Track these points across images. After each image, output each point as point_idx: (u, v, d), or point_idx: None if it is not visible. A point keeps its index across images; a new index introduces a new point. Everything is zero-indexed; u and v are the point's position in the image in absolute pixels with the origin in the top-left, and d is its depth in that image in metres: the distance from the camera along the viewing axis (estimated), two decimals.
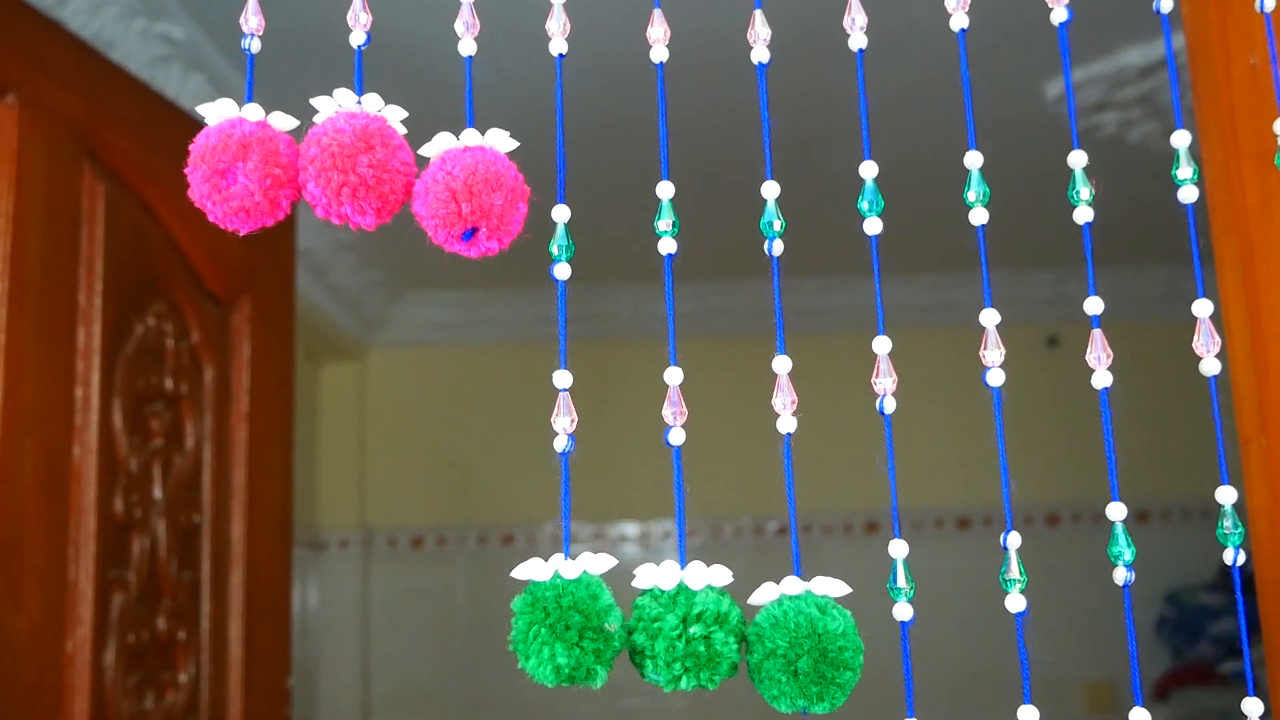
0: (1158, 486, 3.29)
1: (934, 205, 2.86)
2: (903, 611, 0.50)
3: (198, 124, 1.52)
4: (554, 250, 0.52)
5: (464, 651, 3.36)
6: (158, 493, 1.36)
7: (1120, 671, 3.09)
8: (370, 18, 0.54)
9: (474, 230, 0.51)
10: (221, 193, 0.51)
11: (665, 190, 0.53)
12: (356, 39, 0.54)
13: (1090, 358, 0.52)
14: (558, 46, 0.54)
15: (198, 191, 0.51)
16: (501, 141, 0.53)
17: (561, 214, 0.53)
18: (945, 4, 0.54)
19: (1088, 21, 2.08)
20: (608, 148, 2.47)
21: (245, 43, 0.54)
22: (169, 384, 1.40)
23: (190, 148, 0.52)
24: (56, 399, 1.21)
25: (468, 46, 0.54)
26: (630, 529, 3.43)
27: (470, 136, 0.52)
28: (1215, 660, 3.07)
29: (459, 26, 0.54)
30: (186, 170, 0.52)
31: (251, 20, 0.54)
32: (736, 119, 2.32)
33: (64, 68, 1.26)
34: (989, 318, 0.53)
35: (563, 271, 0.52)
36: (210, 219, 0.52)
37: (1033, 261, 3.24)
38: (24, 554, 1.15)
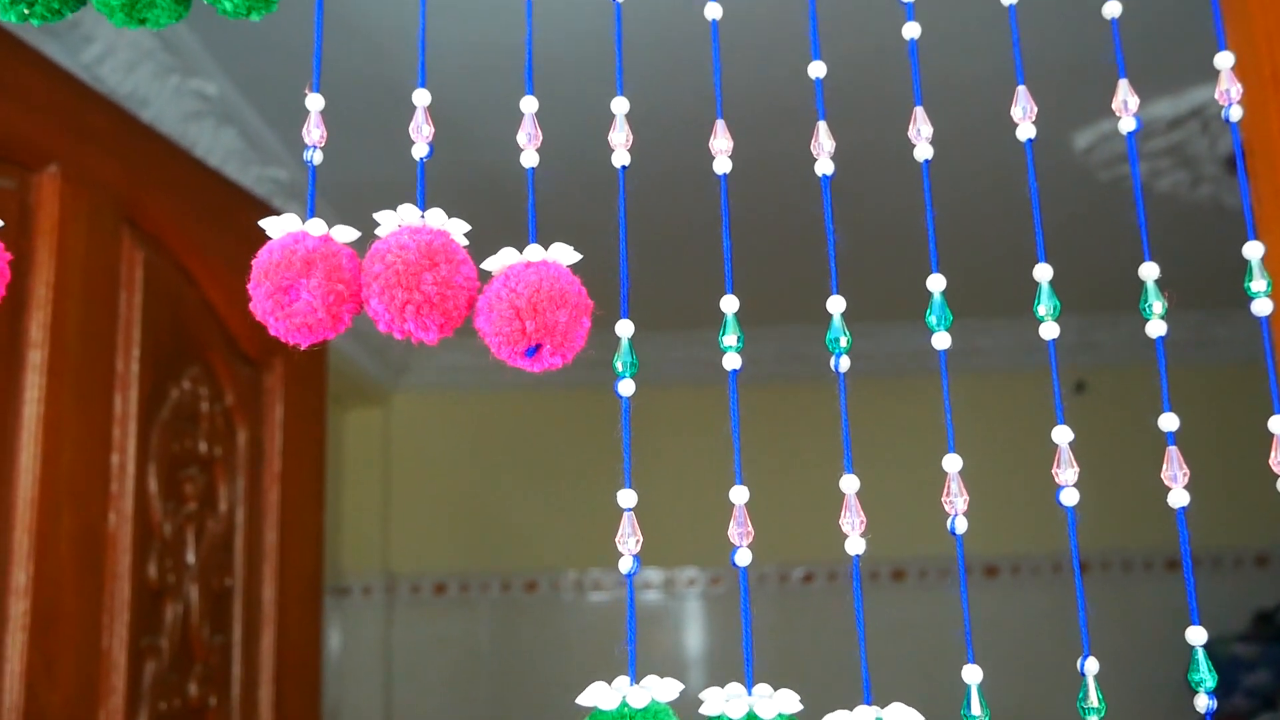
0: (1190, 534, 3.24)
1: (959, 253, 2.85)
2: None
3: (232, 185, 1.53)
4: (618, 367, 0.52)
5: (487, 698, 3.33)
6: (191, 557, 1.36)
7: None
8: (432, 129, 0.54)
9: (538, 347, 0.51)
10: (285, 309, 0.51)
11: (729, 305, 0.53)
12: (419, 151, 0.54)
13: (1166, 476, 0.51)
14: (620, 159, 0.54)
15: (260, 307, 0.51)
16: (565, 255, 0.53)
17: (625, 329, 0.52)
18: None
19: (1115, 75, 2.07)
20: (638, 198, 2.48)
21: (308, 154, 0.54)
22: (203, 447, 1.40)
23: (254, 262, 0.52)
24: (93, 467, 1.21)
25: (530, 158, 0.54)
26: (655, 576, 3.40)
27: (534, 252, 0.52)
28: (1249, 713, 3.02)
29: (521, 138, 0.54)
30: (250, 286, 0.51)
31: (314, 132, 0.54)
32: (771, 171, 2.33)
33: (104, 135, 1.27)
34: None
35: (627, 389, 0.52)
36: (272, 333, 0.52)
37: (1060, 307, 3.22)
38: (59, 626, 1.14)
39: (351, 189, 2.54)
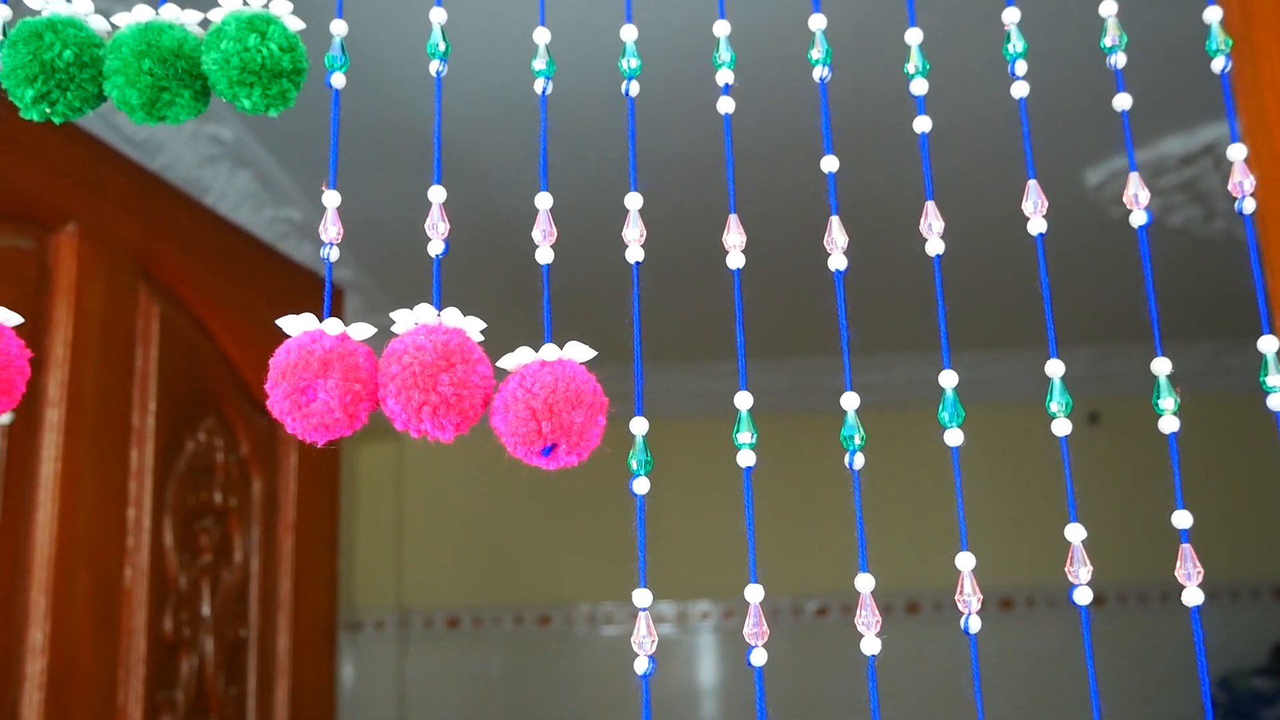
0: (1205, 566, 3.22)
1: (969, 285, 2.85)
2: None
3: (245, 235, 1.54)
4: (632, 465, 0.52)
5: None
6: (206, 609, 1.36)
7: None
8: (448, 226, 0.54)
9: (553, 446, 0.51)
10: (302, 409, 0.51)
11: (743, 401, 0.53)
12: (435, 249, 0.54)
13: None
14: (634, 254, 0.54)
15: (278, 407, 0.51)
16: (580, 353, 0.53)
17: (640, 426, 0.53)
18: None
19: (1129, 112, 2.07)
20: (651, 229, 2.49)
21: (324, 252, 0.54)
22: (219, 498, 1.40)
23: (271, 362, 0.52)
24: (110, 523, 1.22)
25: (545, 255, 0.54)
26: (668, 609, 3.39)
27: (549, 351, 0.52)
28: None
29: (536, 235, 0.54)
30: (268, 385, 0.52)
31: (330, 230, 0.54)
32: (785, 205, 2.33)
33: (120, 191, 1.29)
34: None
35: (641, 486, 0.52)
36: (289, 430, 0.52)
37: (1073, 338, 3.21)
38: (75, 683, 1.14)
39: (364, 227, 2.55)
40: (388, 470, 3.44)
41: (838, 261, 0.54)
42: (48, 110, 0.57)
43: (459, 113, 2.00)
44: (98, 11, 0.60)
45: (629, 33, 0.56)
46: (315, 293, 1.66)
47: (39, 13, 0.58)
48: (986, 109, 1.96)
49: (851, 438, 0.53)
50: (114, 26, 0.58)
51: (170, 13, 0.56)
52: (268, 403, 0.53)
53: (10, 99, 0.58)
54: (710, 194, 2.33)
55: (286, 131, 2.15)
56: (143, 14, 0.56)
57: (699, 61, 1.85)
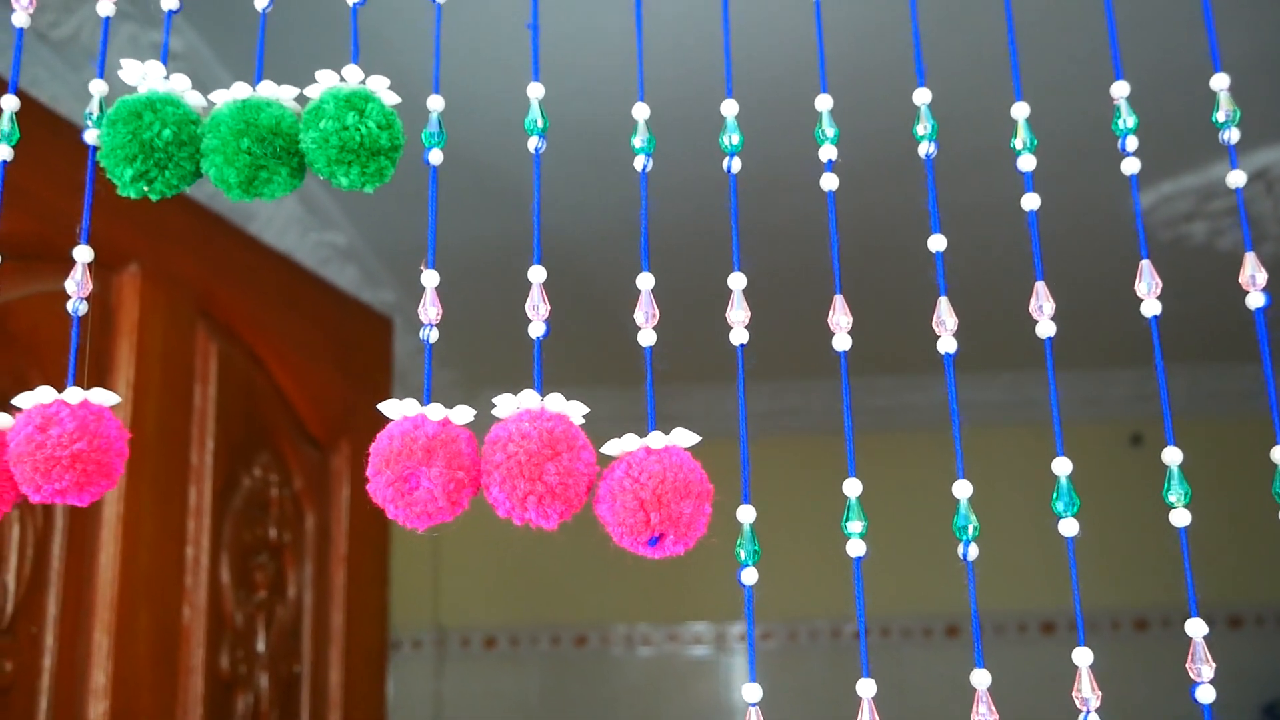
0: (1251, 590, 3.18)
1: (1011, 304, 2.83)
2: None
3: (298, 269, 1.53)
4: (740, 555, 0.51)
5: None
6: (261, 646, 1.36)
7: None
8: (549, 307, 0.54)
9: (660, 537, 0.50)
10: (405, 497, 0.51)
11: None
12: (536, 330, 0.53)
13: None
14: (647, 338, 0.53)
15: (381, 495, 0.51)
16: (684, 439, 0.52)
17: (747, 515, 0.52)
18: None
19: (1179, 138, 2.06)
20: (679, 256, 2.48)
21: (424, 333, 0.54)
22: (273, 534, 1.40)
23: (372, 449, 0.52)
24: (169, 562, 1.22)
25: (647, 337, 0.54)
26: (704, 630, 3.37)
27: (655, 439, 0.51)
28: None
29: (640, 317, 0.53)
30: (369, 471, 0.51)
31: (430, 310, 0.54)
32: (809, 226, 2.32)
33: (180, 230, 1.29)
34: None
35: (750, 577, 0.51)
36: (389, 516, 0.52)
37: (1115, 360, 3.18)
38: None
39: (406, 251, 2.56)
40: None
41: (947, 344, 0.53)
42: (145, 188, 0.57)
43: (487, 134, 2.00)
44: (194, 87, 0.60)
45: (730, 108, 0.55)
46: (367, 323, 1.66)
47: (134, 88, 0.58)
48: (1043, 134, 1.95)
49: (965, 528, 0.52)
50: (210, 103, 0.57)
51: (267, 89, 0.56)
52: (368, 488, 0.53)
53: (108, 176, 0.58)
54: (760, 217, 2.33)
55: None
56: (240, 90, 0.56)
57: (755, 91, 1.84)
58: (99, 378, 1.16)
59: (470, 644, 3.39)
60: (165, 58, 0.59)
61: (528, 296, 0.53)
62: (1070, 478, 0.53)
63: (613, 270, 2.66)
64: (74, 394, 0.55)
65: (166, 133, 0.55)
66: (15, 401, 0.54)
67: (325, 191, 2.31)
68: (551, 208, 2.23)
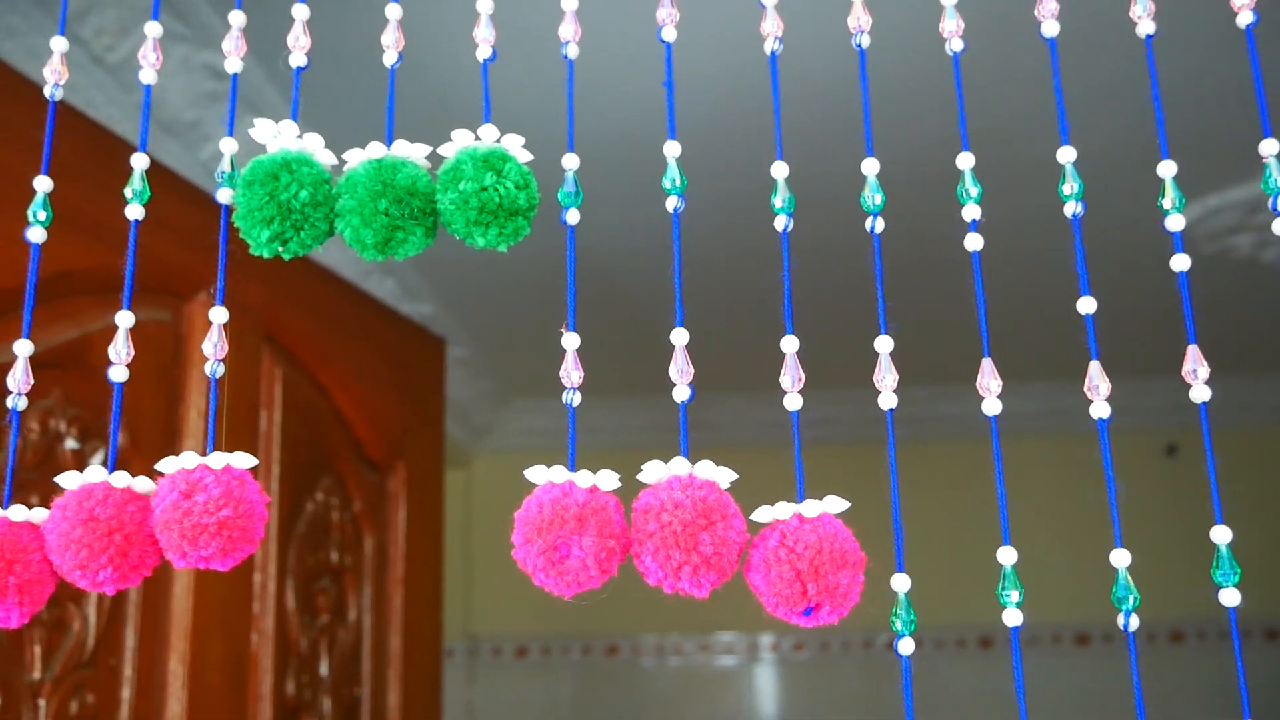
0: None
1: (1044, 313, 2.82)
2: None
3: (357, 292, 1.53)
4: (896, 625, 0.50)
5: None
6: (324, 670, 1.36)
7: None
8: (692, 370, 0.53)
9: (815, 607, 0.50)
10: (556, 566, 0.50)
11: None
12: (681, 394, 0.53)
13: None
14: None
15: (531, 563, 0.50)
16: (835, 505, 0.52)
17: (902, 584, 0.51)
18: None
19: (1226, 152, 2.05)
20: (711, 266, 2.48)
21: (567, 397, 0.53)
22: (335, 557, 1.40)
23: (519, 515, 0.51)
24: (239, 588, 1.22)
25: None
26: (736, 640, 3.37)
27: (810, 508, 0.51)
28: None
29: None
30: (518, 538, 0.51)
31: (574, 375, 0.53)
32: (848, 240, 2.32)
33: (246, 256, 1.29)
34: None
35: (906, 647, 0.50)
36: (537, 584, 0.51)
37: (1151, 370, 3.16)
38: None
39: (442, 265, 2.56)
40: (457, 499, 3.44)
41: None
42: (279, 248, 0.56)
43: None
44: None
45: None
46: (421, 344, 1.66)
47: (264, 146, 0.57)
48: (1083, 146, 1.94)
49: (1125, 598, 0.51)
50: (341, 160, 0.57)
51: (401, 149, 0.56)
52: (514, 553, 0.52)
53: (242, 235, 0.58)
54: (815, 232, 2.32)
55: None
56: (374, 150, 0.56)
57: (758, 106, 1.84)
58: (170, 406, 1.16)
59: (502, 653, 3.39)
60: (295, 114, 0.59)
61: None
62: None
63: (645, 281, 2.65)
64: (217, 459, 0.54)
65: (304, 194, 0.55)
66: (159, 467, 0.54)
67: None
68: (585, 221, 2.23)
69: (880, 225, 0.54)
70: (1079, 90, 1.78)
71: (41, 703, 0.98)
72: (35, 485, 0.99)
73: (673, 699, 3.36)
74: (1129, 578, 0.50)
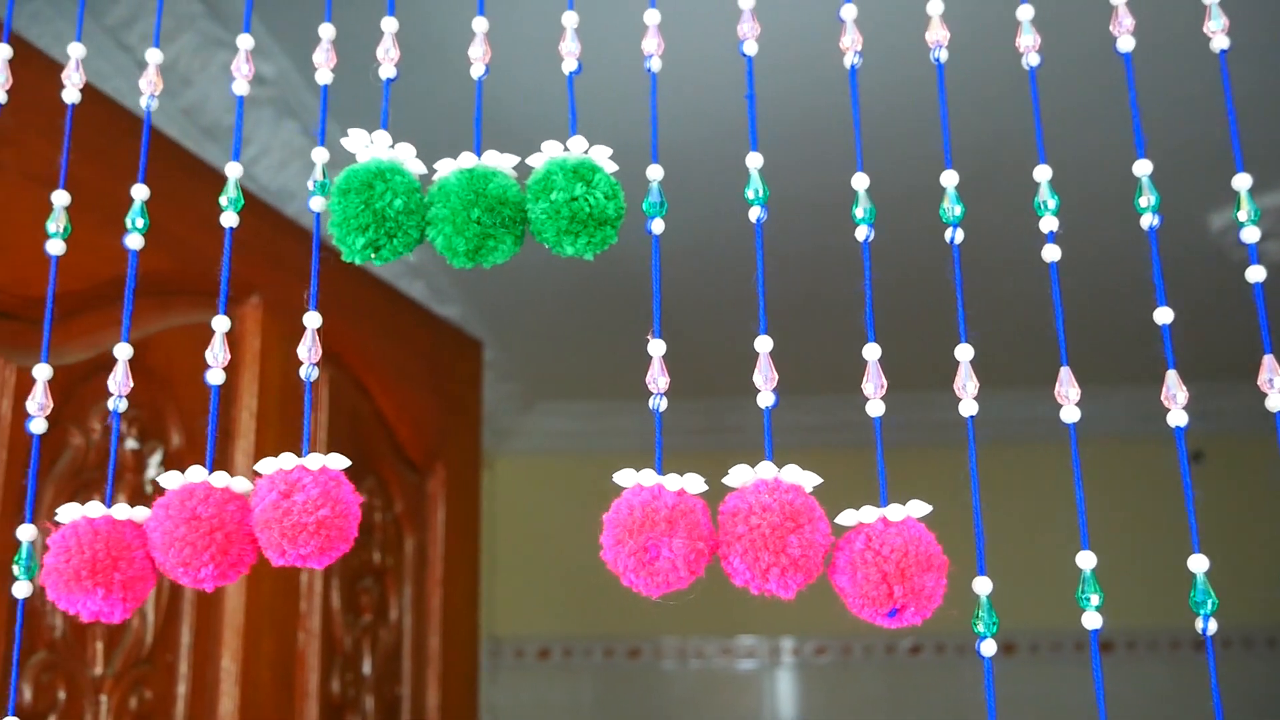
0: None
1: (1082, 320, 2.82)
2: None
3: (398, 295, 1.55)
4: (978, 626, 0.52)
5: None
6: (367, 669, 1.38)
7: None
8: (659, 394, 0.55)
9: (899, 608, 0.51)
10: (647, 567, 0.52)
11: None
12: (764, 400, 0.54)
13: None
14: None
15: (621, 564, 0.52)
16: (919, 509, 0.53)
17: (983, 586, 0.52)
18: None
19: (1257, 158, 2.05)
20: (739, 271, 2.49)
21: (653, 401, 0.55)
22: (377, 558, 1.42)
23: (609, 518, 0.53)
24: (287, 588, 1.24)
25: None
26: (757, 644, 3.38)
27: (894, 511, 0.52)
28: None
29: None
30: (608, 539, 0.52)
31: (660, 381, 0.55)
32: (857, 248, 2.33)
33: (296, 260, 1.31)
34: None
35: (989, 649, 0.52)
36: (625, 584, 0.53)
37: (1181, 375, 3.16)
38: None
39: (471, 269, 2.58)
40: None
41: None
42: (371, 255, 0.58)
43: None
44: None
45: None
46: (459, 346, 1.68)
47: (354, 155, 0.59)
48: (1108, 151, 1.95)
49: (1203, 602, 0.52)
50: (430, 169, 0.59)
51: (491, 159, 0.57)
52: (603, 554, 0.53)
53: (335, 243, 0.59)
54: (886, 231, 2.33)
55: None
56: (465, 160, 0.57)
57: (825, 112, 1.85)
58: (224, 408, 1.18)
59: (524, 655, 3.41)
60: (385, 123, 0.60)
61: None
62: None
63: (674, 285, 2.67)
64: (314, 460, 0.56)
65: (398, 202, 0.56)
66: (257, 468, 0.56)
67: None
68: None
69: (960, 236, 0.55)
70: (1108, 99, 1.78)
71: (103, 698, 1.00)
72: (97, 485, 1.01)
73: (694, 702, 3.37)
74: (1207, 583, 0.51)
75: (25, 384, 0.91)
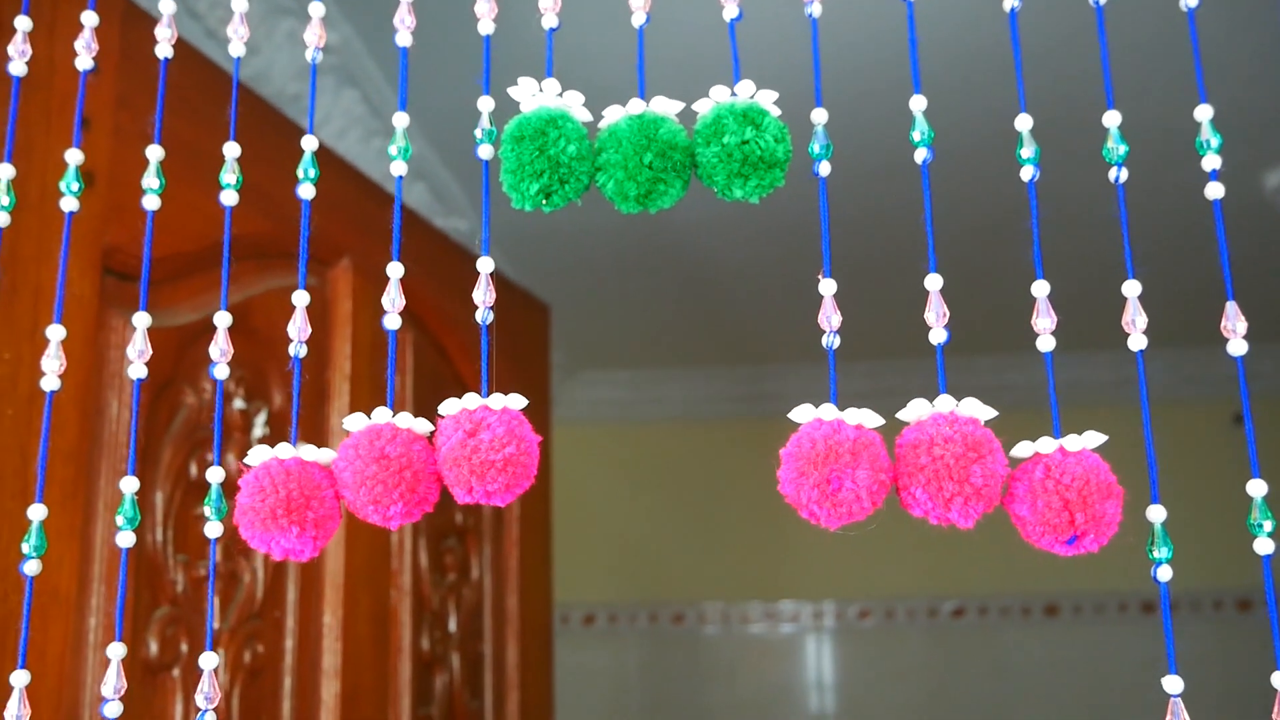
0: None
1: (1109, 281, 2.82)
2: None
3: (469, 255, 1.55)
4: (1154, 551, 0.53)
5: None
6: (453, 626, 1.40)
7: None
8: (832, 331, 0.56)
9: (1078, 536, 0.52)
10: (830, 498, 0.53)
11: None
12: (828, 341, 0.56)
13: None
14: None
15: (805, 495, 0.53)
16: (1093, 440, 0.54)
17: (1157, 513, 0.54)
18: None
19: None
20: (780, 238, 2.49)
21: (826, 340, 0.56)
22: (459, 518, 1.44)
23: (788, 452, 0.54)
24: (380, 546, 1.26)
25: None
26: (798, 608, 3.40)
27: (1072, 441, 0.53)
28: None
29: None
30: (789, 472, 0.54)
31: (832, 318, 0.56)
32: (906, 213, 2.33)
33: (381, 224, 1.32)
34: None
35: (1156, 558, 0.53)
36: (803, 515, 0.54)
37: (1220, 338, 3.16)
38: (360, 704, 1.19)
39: (521, 240, 2.60)
40: None
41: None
42: (543, 201, 0.59)
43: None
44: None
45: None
46: (528, 310, 1.69)
47: (518, 105, 0.60)
48: (1161, 115, 1.94)
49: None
50: (593, 117, 0.60)
51: (660, 105, 0.58)
52: (781, 487, 0.55)
53: (507, 190, 0.60)
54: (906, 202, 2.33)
55: (459, 148, 2.20)
56: (634, 106, 0.58)
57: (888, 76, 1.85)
58: (318, 371, 1.20)
59: (569, 621, 3.44)
60: (550, 71, 0.61)
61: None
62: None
63: (720, 255, 2.67)
64: (497, 399, 0.57)
65: (571, 148, 0.57)
66: (441, 410, 0.57)
67: (455, 180, 2.34)
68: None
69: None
70: (1151, 61, 1.77)
71: (220, 652, 1.02)
72: (208, 443, 1.03)
73: (738, 666, 3.41)
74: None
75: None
